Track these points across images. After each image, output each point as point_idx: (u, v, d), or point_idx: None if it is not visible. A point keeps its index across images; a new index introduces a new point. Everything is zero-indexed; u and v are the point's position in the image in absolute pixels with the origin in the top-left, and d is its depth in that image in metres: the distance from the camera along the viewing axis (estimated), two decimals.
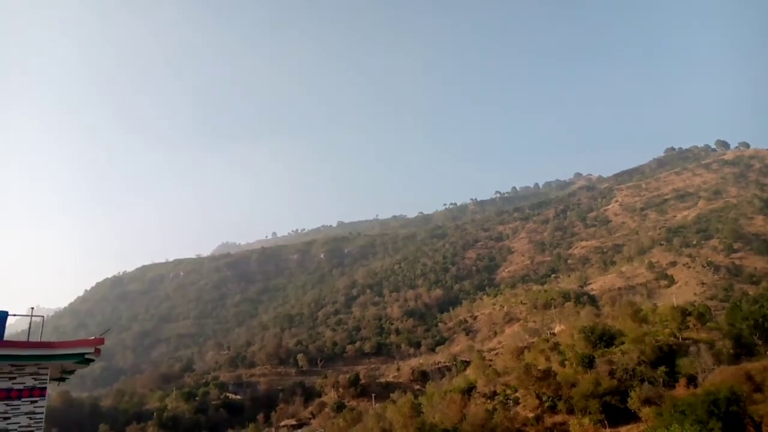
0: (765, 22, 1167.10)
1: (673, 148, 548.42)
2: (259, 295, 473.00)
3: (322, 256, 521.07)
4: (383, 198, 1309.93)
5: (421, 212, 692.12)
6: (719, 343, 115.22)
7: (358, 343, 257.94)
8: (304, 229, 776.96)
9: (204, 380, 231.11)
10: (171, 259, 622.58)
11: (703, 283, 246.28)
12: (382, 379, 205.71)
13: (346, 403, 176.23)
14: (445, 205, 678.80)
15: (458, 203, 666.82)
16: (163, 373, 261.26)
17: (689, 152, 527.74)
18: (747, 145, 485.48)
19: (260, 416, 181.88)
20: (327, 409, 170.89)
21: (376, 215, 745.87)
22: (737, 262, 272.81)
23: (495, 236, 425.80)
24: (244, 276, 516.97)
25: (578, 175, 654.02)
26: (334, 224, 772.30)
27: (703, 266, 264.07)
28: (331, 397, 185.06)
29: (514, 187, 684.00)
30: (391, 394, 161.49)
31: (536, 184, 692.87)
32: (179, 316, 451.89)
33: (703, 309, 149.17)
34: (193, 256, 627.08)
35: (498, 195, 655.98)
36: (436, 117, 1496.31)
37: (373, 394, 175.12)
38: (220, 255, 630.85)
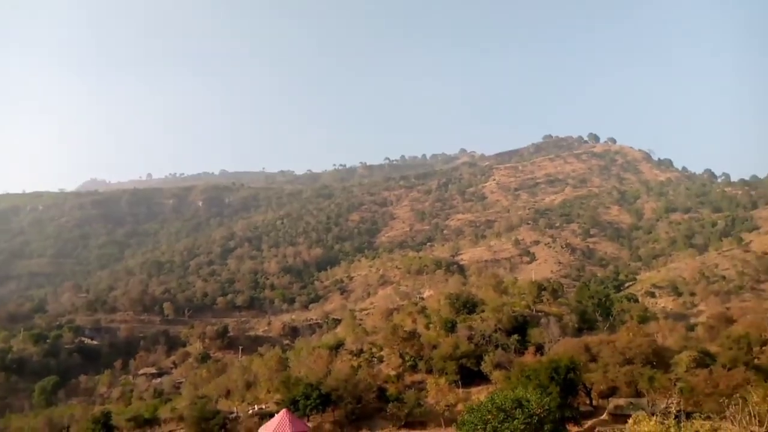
0: (654, 27, 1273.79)
1: (550, 136, 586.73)
2: (127, 238, 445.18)
3: (200, 203, 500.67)
4: (272, 151, 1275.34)
5: (309, 170, 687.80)
6: (567, 317, 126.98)
7: (230, 296, 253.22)
8: (183, 174, 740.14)
9: (57, 323, 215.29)
10: (29, 191, 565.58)
11: (560, 263, 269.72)
12: (252, 333, 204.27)
13: (211, 355, 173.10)
14: (334, 165, 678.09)
15: (348, 165, 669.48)
16: (11, 312, 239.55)
17: (564, 141, 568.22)
18: (614, 141, 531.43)
19: (118, 363, 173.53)
20: (190, 360, 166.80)
21: (263, 168, 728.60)
22: (591, 246, 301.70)
23: (380, 201, 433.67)
24: (112, 217, 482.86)
25: (463, 151, 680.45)
26: (217, 172, 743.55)
27: (562, 247, 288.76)
28: (196, 347, 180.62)
29: (403, 156, 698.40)
30: (260, 348, 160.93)
31: (424, 155, 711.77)
32: (33, 253, 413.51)
33: (557, 285, 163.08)
34: (56, 191, 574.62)
35: (387, 161, 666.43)
36: (329, 77, 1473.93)
37: (240, 347, 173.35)
38: (87, 192, 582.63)
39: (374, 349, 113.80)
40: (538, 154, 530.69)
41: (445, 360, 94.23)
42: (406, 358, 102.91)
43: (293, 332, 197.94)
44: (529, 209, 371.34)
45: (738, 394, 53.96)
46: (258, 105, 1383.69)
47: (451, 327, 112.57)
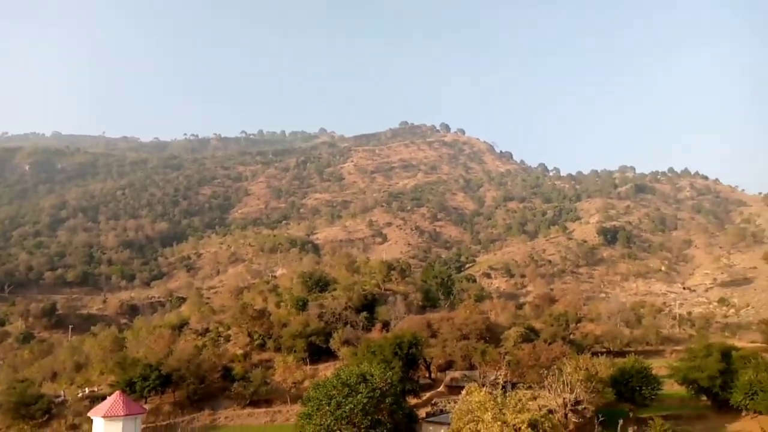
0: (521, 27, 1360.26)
1: (406, 122, 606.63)
2: None
3: (27, 167, 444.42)
4: (114, 115, 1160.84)
5: (156, 138, 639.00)
6: (412, 296, 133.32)
7: (59, 271, 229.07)
8: (7, 134, 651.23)
9: None
10: None
11: (409, 244, 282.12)
12: (85, 311, 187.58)
13: (35, 335, 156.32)
14: (185, 135, 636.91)
15: (201, 136, 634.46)
16: None
17: (419, 128, 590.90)
18: (463, 132, 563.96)
19: None
20: (10, 340, 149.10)
21: (103, 132, 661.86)
22: (438, 229, 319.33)
23: (234, 176, 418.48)
24: None
25: (323, 130, 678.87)
26: (48, 134, 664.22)
27: (411, 229, 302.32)
28: (17, 326, 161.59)
29: (261, 130, 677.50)
30: (93, 328, 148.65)
31: (283, 132, 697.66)
32: None
33: (405, 266, 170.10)
34: None
35: (244, 135, 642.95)
36: (185, 41, 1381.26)
37: (71, 327, 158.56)
38: None
39: (221, 328, 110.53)
40: (395, 139, 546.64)
41: (295, 338, 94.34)
42: (255, 336, 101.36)
43: (132, 311, 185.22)
44: (383, 192, 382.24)
45: (555, 366, 60.90)
46: (102, 61, 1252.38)
47: (302, 305, 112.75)
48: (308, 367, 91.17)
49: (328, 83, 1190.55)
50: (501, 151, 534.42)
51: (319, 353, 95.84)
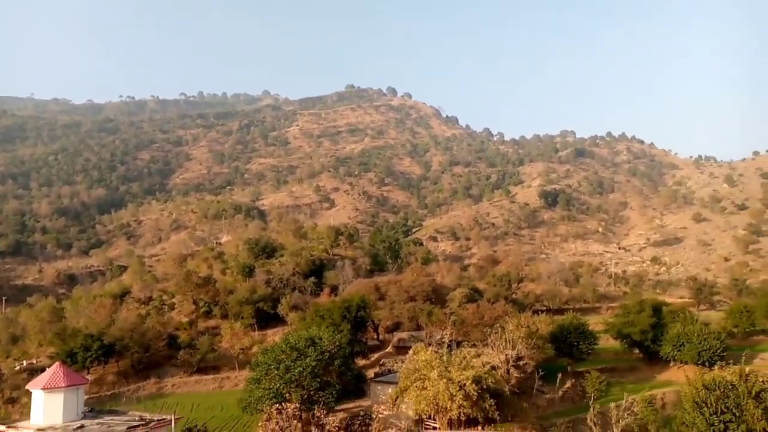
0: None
1: (353, 86, 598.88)
2: None
3: None
4: (43, 76, 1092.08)
5: (90, 100, 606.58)
6: (361, 260, 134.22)
7: None
8: None
9: None
10: None
11: (357, 209, 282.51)
12: (19, 282, 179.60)
13: None
14: (121, 97, 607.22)
15: (137, 98, 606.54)
16: None
17: (365, 92, 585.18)
18: (410, 96, 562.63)
19: None
20: None
21: (31, 94, 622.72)
22: (385, 194, 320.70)
23: (174, 140, 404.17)
24: None
25: (266, 93, 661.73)
26: None
27: (359, 194, 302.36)
28: None
29: (201, 92, 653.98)
30: (29, 298, 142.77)
31: (224, 94, 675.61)
32: None
33: (353, 230, 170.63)
34: None
35: (183, 97, 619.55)
36: None
37: (5, 298, 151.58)
38: None
39: (165, 297, 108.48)
40: (341, 103, 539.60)
41: (242, 304, 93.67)
42: (200, 304, 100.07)
43: (70, 280, 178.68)
44: (330, 157, 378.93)
45: (498, 324, 62.99)
46: (27, 19, 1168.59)
47: (248, 272, 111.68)
48: (256, 333, 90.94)
49: (271, 45, 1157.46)
50: (447, 116, 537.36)
51: (267, 319, 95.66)
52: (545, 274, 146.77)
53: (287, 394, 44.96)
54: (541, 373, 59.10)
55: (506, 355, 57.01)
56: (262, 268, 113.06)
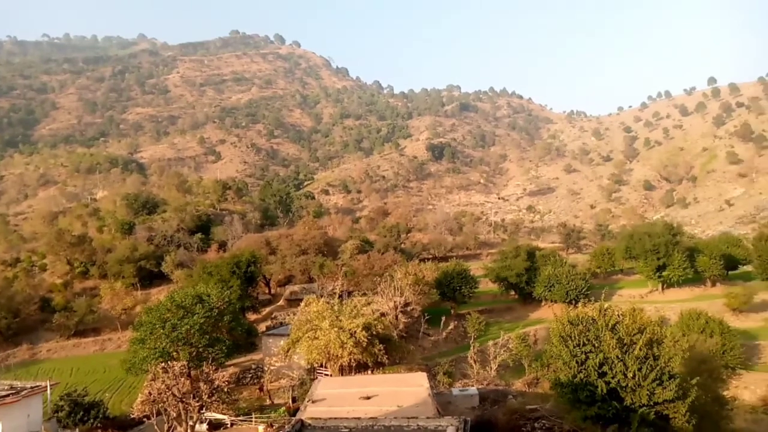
0: None
1: (237, 32, 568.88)
2: None
3: None
4: None
5: None
6: (250, 215, 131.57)
7: None
8: None
9: None
10: None
11: (245, 162, 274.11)
12: None
13: None
14: None
15: None
16: None
17: (251, 39, 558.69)
18: (298, 45, 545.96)
19: None
20: None
21: None
22: (275, 146, 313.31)
23: (37, 87, 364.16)
24: None
25: (142, 36, 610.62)
26: None
27: (247, 147, 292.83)
28: None
29: (67, 34, 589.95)
30: None
31: (95, 36, 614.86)
32: None
33: (241, 185, 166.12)
34: None
35: (46, 39, 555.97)
36: None
37: None
38: None
39: (35, 258, 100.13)
40: (225, 49, 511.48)
41: (122, 263, 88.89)
42: (76, 264, 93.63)
43: None
44: (215, 107, 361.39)
45: (388, 273, 65.17)
46: None
47: (128, 229, 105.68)
48: (139, 292, 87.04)
49: None
50: (337, 67, 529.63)
51: (150, 278, 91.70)
52: (432, 224, 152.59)
53: (174, 353, 43.93)
54: (427, 317, 62.27)
55: (395, 302, 59.38)
56: (143, 224, 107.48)
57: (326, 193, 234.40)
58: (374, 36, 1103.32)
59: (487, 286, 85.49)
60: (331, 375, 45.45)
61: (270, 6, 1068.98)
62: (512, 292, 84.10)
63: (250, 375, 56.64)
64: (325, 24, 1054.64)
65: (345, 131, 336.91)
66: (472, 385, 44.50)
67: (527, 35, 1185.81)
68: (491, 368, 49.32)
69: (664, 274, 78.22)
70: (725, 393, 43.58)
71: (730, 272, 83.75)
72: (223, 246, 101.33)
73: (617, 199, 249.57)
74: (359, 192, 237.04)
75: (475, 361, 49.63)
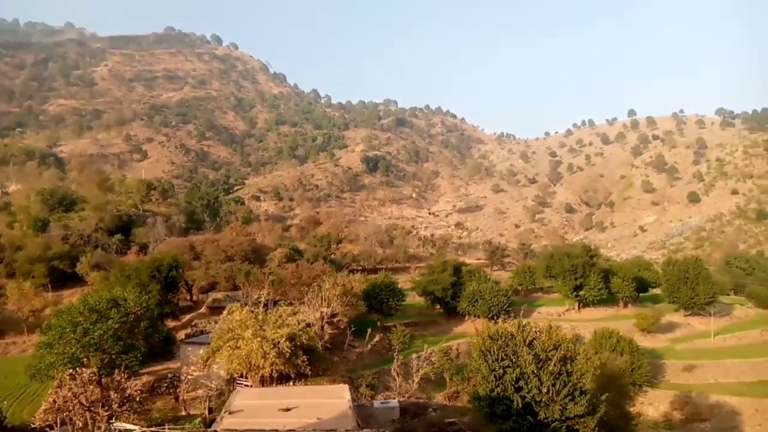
0: None
1: (172, 28, 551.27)
2: None
3: None
4: None
5: None
6: (175, 217, 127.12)
7: None
8: None
9: None
10: None
11: (173, 163, 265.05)
12: None
13: None
14: None
15: None
16: None
17: (186, 37, 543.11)
18: (236, 47, 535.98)
19: None
20: None
21: None
22: (206, 148, 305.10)
23: None
24: None
25: (70, 25, 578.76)
26: None
27: (176, 147, 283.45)
28: None
29: None
30: None
31: (16, 20, 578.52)
32: None
33: (168, 185, 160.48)
34: None
35: None
36: None
37: None
38: None
39: None
40: (159, 45, 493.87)
41: (33, 262, 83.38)
42: None
43: None
44: (144, 104, 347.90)
45: (316, 283, 64.64)
46: None
47: (42, 226, 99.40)
48: (50, 293, 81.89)
49: None
50: (275, 72, 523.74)
51: (63, 279, 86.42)
52: (363, 236, 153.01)
53: (85, 359, 41.54)
54: (353, 329, 62.18)
55: (321, 312, 58.95)
56: (58, 222, 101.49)
57: (257, 199, 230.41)
58: (315, 45, 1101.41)
59: (414, 299, 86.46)
60: (251, 386, 44.46)
61: (208, 5, 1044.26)
62: (438, 306, 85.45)
63: (165, 384, 54.41)
64: (264, 28, 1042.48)
65: (280, 137, 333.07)
66: (394, 398, 44.78)
67: (462, 56, 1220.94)
68: (413, 381, 49.84)
69: (580, 293, 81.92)
70: (631, 409, 46.10)
71: (641, 294, 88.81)
72: (144, 249, 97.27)
73: (540, 220, 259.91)
74: (291, 200, 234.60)
75: (398, 374, 50.00)
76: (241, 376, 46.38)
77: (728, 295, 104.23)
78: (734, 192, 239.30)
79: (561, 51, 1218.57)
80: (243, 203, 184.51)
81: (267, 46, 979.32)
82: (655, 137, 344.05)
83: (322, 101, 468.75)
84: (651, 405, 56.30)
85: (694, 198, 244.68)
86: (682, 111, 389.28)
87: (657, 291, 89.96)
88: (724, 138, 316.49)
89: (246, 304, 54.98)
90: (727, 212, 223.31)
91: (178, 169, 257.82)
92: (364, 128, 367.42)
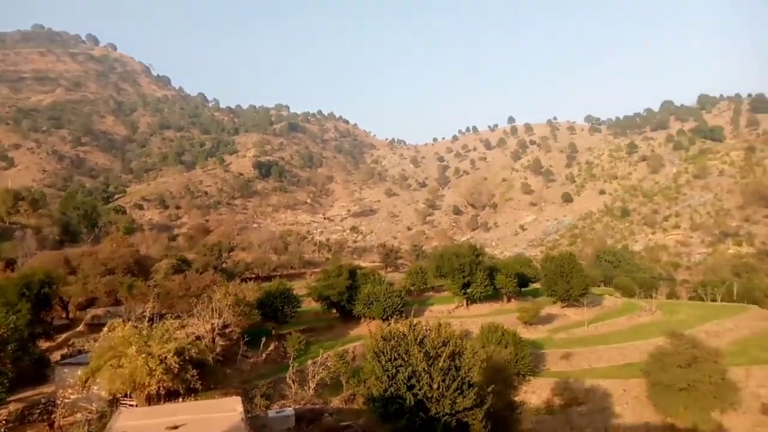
0: None
1: (42, 26, 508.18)
2: None
3: None
4: None
5: None
6: (47, 229, 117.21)
7: None
8: None
9: None
10: None
11: (44, 170, 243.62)
12: None
13: None
14: None
15: None
16: None
17: (58, 36, 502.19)
18: (115, 47, 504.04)
19: None
20: None
21: None
22: (82, 155, 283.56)
23: None
24: None
25: None
26: None
27: (48, 154, 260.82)
28: None
29: None
30: None
31: None
32: None
33: (38, 195, 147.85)
34: None
35: None
36: None
37: None
38: None
39: None
40: (26, 44, 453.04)
41: None
42: None
43: None
44: (10, 107, 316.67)
45: (206, 294, 62.35)
46: None
47: None
48: None
49: None
50: (158, 75, 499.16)
51: None
52: (256, 243, 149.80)
53: None
54: (246, 339, 60.72)
55: (212, 324, 57.05)
56: None
57: (140, 207, 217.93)
58: (201, 47, 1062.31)
59: (310, 305, 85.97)
60: (136, 405, 42.12)
61: (82, 2, 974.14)
62: (334, 311, 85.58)
63: (38, 410, 49.93)
64: (145, 28, 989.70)
65: (164, 143, 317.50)
66: (290, 406, 44.37)
67: (354, 62, 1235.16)
68: (309, 387, 49.63)
69: (468, 290, 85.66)
70: (516, 398, 49.01)
71: (522, 289, 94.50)
72: (11, 264, 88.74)
73: (431, 222, 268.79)
74: (178, 208, 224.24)
75: (293, 381, 49.57)
76: (125, 396, 43.79)
77: (599, 286, 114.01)
78: (602, 192, 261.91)
79: (447, 62, 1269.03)
80: (125, 212, 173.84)
81: (149, 48, 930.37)
82: (532, 142, 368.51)
83: (210, 105, 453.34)
84: (534, 393, 60.08)
85: (567, 198, 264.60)
86: (555, 118, 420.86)
87: (537, 285, 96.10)
88: (592, 143, 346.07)
89: (129, 320, 52.00)
90: (596, 210, 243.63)
91: (50, 177, 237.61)
92: (255, 133, 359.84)
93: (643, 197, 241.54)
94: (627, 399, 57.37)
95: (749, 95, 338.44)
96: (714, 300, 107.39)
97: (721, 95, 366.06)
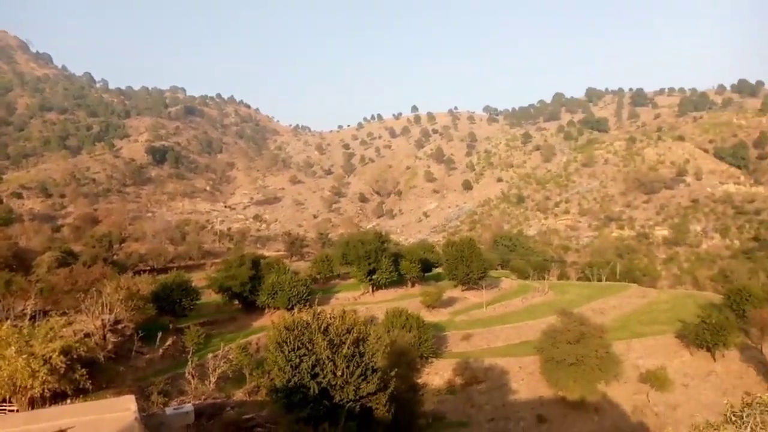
0: None
1: None
2: None
3: None
4: None
5: None
6: None
7: None
8: None
9: None
10: None
11: None
12: None
13: None
14: None
15: None
16: None
17: None
18: None
19: None
20: None
21: None
22: None
23: None
24: None
25: None
26: None
27: None
28: None
29: None
30: None
31: None
32: None
33: None
34: None
35: None
36: None
37: None
38: None
39: None
40: None
41: None
42: None
43: None
44: None
45: (95, 288, 58.34)
46: None
47: None
48: None
49: None
50: (38, 52, 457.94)
51: None
52: (151, 233, 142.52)
53: None
54: (141, 334, 57.65)
55: (102, 320, 53.61)
56: None
57: (18, 196, 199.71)
58: (88, 24, 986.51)
59: (210, 296, 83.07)
60: (17, 410, 38.87)
61: None
62: (236, 302, 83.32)
63: None
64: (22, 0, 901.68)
65: (46, 126, 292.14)
66: (189, 402, 42.78)
67: (255, 45, 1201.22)
68: (210, 382, 48.12)
69: (374, 277, 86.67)
70: (419, 380, 50.33)
71: (426, 274, 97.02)
72: None
73: (337, 210, 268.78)
74: (63, 196, 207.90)
75: (193, 376, 47.82)
76: (5, 401, 40.35)
77: (496, 269, 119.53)
78: (499, 180, 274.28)
79: (353, 49, 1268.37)
80: (1, 201, 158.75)
81: (27, 22, 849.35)
82: (435, 131, 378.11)
83: (98, 86, 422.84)
84: (437, 374, 62.08)
85: (467, 186, 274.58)
86: (456, 108, 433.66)
87: (439, 270, 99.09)
88: (490, 132, 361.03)
89: (7, 318, 47.89)
90: (494, 197, 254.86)
91: None
92: (148, 116, 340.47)
93: (536, 185, 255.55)
94: (522, 375, 60.75)
95: (630, 89, 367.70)
96: (600, 280, 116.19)
97: (606, 89, 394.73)
